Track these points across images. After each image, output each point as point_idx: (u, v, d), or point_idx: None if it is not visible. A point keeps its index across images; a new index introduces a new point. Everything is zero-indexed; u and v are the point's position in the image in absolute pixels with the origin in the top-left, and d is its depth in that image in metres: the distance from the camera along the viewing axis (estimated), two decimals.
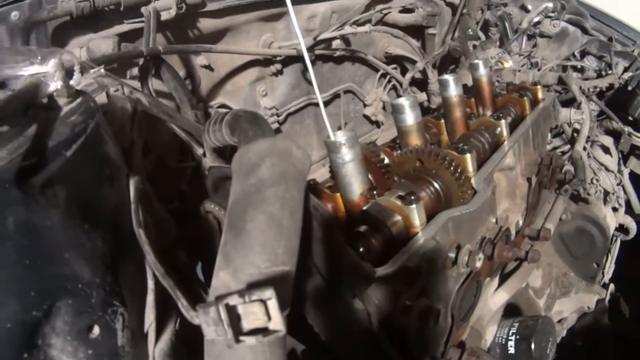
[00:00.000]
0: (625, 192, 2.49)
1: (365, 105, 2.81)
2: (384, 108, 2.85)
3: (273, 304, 0.56)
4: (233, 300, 0.57)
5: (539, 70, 2.76)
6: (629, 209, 2.48)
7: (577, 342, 2.10)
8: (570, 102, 2.44)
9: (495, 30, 2.97)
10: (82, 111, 0.87)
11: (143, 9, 1.55)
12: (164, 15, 1.59)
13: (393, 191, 1.20)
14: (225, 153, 1.17)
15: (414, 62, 2.67)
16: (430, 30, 2.71)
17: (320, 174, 2.46)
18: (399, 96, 2.79)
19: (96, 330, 0.81)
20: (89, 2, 1.42)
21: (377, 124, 2.91)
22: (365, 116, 2.85)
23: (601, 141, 2.49)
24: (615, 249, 2.30)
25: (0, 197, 0.70)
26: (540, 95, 1.89)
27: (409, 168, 1.35)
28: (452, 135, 1.64)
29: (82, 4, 1.41)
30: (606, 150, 2.48)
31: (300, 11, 2.17)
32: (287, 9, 1.01)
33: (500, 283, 1.53)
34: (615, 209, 2.33)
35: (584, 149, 2.21)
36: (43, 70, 0.88)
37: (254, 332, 0.57)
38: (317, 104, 2.41)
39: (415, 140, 1.44)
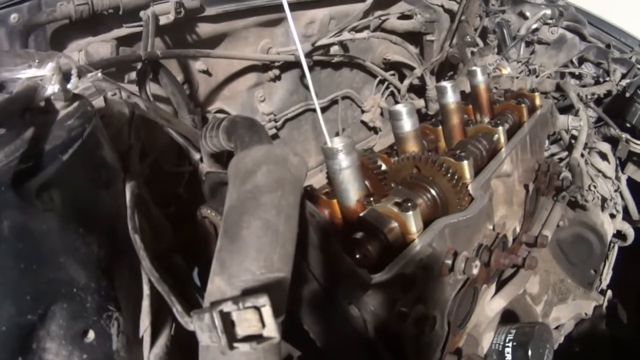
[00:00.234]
0: (622, 198, 2.49)
1: (363, 112, 2.82)
2: (381, 114, 2.85)
3: (267, 311, 0.56)
4: (227, 307, 0.57)
5: (536, 77, 2.76)
6: (627, 216, 2.48)
7: (575, 348, 2.10)
8: (568, 109, 2.45)
9: (494, 37, 2.98)
10: (79, 115, 0.87)
11: (142, 13, 1.55)
12: (163, 20, 1.59)
13: (390, 198, 1.20)
14: (223, 158, 1.17)
15: (412, 68, 2.67)
16: (429, 37, 2.72)
17: (318, 180, 2.46)
18: (396, 102, 2.80)
19: (91, 334, 0.81)
20: (88, 5, 1.42)
21: (375, 130, 2.91)
22: (363, 122, 2.86)
23: (599, 148, 2.49)
24: (613, 256, 2.30)
25: None
26: (538, 102, 1.89)
27: (406, 175, 1.35)
28: (449, 142, 1.64)
29: (81, 8, 1.41)
30: (604, 156, 2.48)
31: (298, 17, 2.18)
32: (286, 14, 1.01)
33: (497, 290, 1.53)
34: (612, 216, 2.33)
35: (582, 155, 2.21)
36: (41, 74, 0.88)
37: (248, 338, 0.57)
38: (314, 110, 2.42)
39: (412, 147, 1.44)
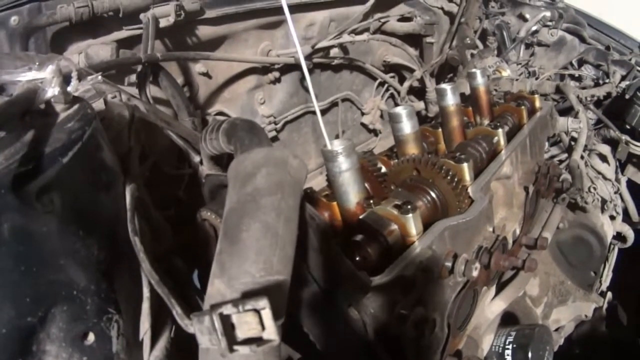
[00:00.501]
0: (622, 200, 2.49)
1: (363, 114, 2.82)
2: (381, 116, 2.85)
3: (267, 314, 0.56)
4: (227, 310, 0.57)
5: (536, 79, 2.77)
6: (627, 217, 2.48)
7: (575, 350, 2.10)
8: (567, 111, 2.45)
9: (493, 39, 2.98)
10: (79, 118, 0.87)
11: (142, 16, 1.55)
12: (163, 22, 1.59)
13: (390, 200, 1.20)
14: (223, 161, 1.17)
15: (412, 70, 2.67)
16: (429, 39, 2.72)
17: (318, 182, 2.46)
18: (396, 104, 2.80)
19: (91, 337, 0.81)
20: (88, 8, 1.43)
21: (375, 132, 2.92)
22: (363, 124, 2.86)
23: (599, 149, 2.49)
24: (613, 257, 2.30)
25: None
26: (537, 104, 1.89)
27: (406, 177, 1.35)
28: (449, 144, 1.64)
29: (81, 10, 1.41)
30: (604, 158, 2.48)
31: (298, 19, 2.18)
32: (286, 17, 1.01)
33: (498, 292, 1.53)
34: (612, 217, 2.33)
35: (582, 157, 2.22)
36: (41, 77, 0.88)
37: (248, 341, 0.57)
38: (314, 112, 2.42)
39: (412, 149, 1.44)
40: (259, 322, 0.57)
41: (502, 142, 1.57)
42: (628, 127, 2.51)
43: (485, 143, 1.54)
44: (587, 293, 2.06)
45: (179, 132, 1.35)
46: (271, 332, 0.57)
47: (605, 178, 2.41)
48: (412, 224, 1.11)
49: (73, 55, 1.51)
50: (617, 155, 2.50)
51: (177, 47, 1.78)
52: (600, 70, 2.84)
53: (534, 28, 2.97)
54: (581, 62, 2.92)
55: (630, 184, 2.56)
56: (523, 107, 1.79)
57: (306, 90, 2.35)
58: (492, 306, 1.49)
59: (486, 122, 1.76)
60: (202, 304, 0.69)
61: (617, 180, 2.49)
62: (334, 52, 2.31)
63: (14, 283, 0.72)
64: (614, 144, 2.54)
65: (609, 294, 2.18)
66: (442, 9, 2.74)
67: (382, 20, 2.47)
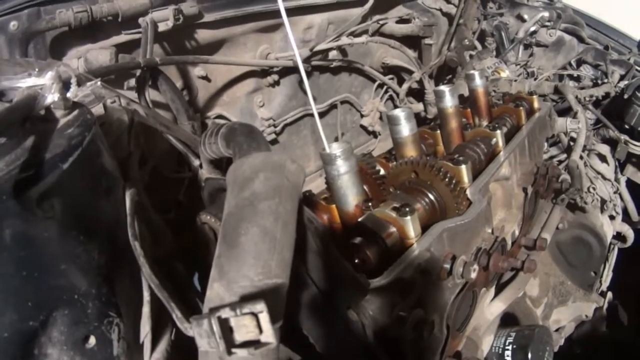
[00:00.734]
0: (622, 200, 2.49)
1: (362, 116, 2.82)
2: (380, 118, 2.86)
3: (264, 317, 0.57)
4: (225, 313, 0.58)
5: (535, 79, 2.77)
6: (626, 217, 2.48)
7: (575, 350, 2.10)
8: (566, 111, 2.46)
9: (492, 40, 2.99)
10: (79, 123, 0.87)
11: (140, 20, 1.56)
12: (162, 27, 1.60)
13: (388, 203, 1.20)
14: (222, 164, 1.18)
15: (410, 72, 2.68)
16: (427, 41, 2.73)
17: (317, 185, 2.47)
18: (395, 106, 2.80)
19: (92, 340, 0.81)
20: (87, 12, 1.43)
21: (374, 134, 2.92)
22: (362, 126, 2.86)
23: (598, 150, 2.49)
24: (613, 257, 2.30)
25: None
26: (536, 104, 1.90)
27: (404, 179, 1.36)
28: (448, 146, 1.64)
29: (80, 15, 1.42)
30: (603, 158, 2.48)
31: (296, 22, 2.19)
32: (284, 20, 1.02)
33: (497, 293, 1.53)
34: (612, 217, 2.33)
35: (581, 157, 2.22)
36: (40, 83, 0.89)
37: (246, 344, 0.58)
38: (313, 115, 2.43)
39: (410, 152, 1.44)
40: (256, 326, 0.57)
41: (501, 143, 1.58)
42: (627, 126, 2.51)
43: (483, 144, 1.54)
44: (587, 293, 2.06)
45: (178, 136, 1.36)
46: (269, 335, 0.58)
47: (604, 178, 2.41)
48: (411, 226, 1.11)
49: (72, 60, 1.52)
50: (616, 155, 2.51)
51: (176, 51, 1.78)
52: (599, 70, 2.84)
53: (532, 28, 2.97)
54: (580, 62, 2.93)
55: (630, 183, 2.57)
56: (522, 108, 1.79)
57: (305, 92, 2.35)
58: (491, 307, 1.49)
59: (485, 123, 1.76)
60: (202, 307, 0.70)
61: (617, 180, 2.49)
62: (333, 54, 2.32)
63: (16, 288, 0.72)
64: (613, 143, 2.54)
65: (609, 294, 2.18)
66: (440, 10, 2.75)
67: (381, 22, 2.47)
